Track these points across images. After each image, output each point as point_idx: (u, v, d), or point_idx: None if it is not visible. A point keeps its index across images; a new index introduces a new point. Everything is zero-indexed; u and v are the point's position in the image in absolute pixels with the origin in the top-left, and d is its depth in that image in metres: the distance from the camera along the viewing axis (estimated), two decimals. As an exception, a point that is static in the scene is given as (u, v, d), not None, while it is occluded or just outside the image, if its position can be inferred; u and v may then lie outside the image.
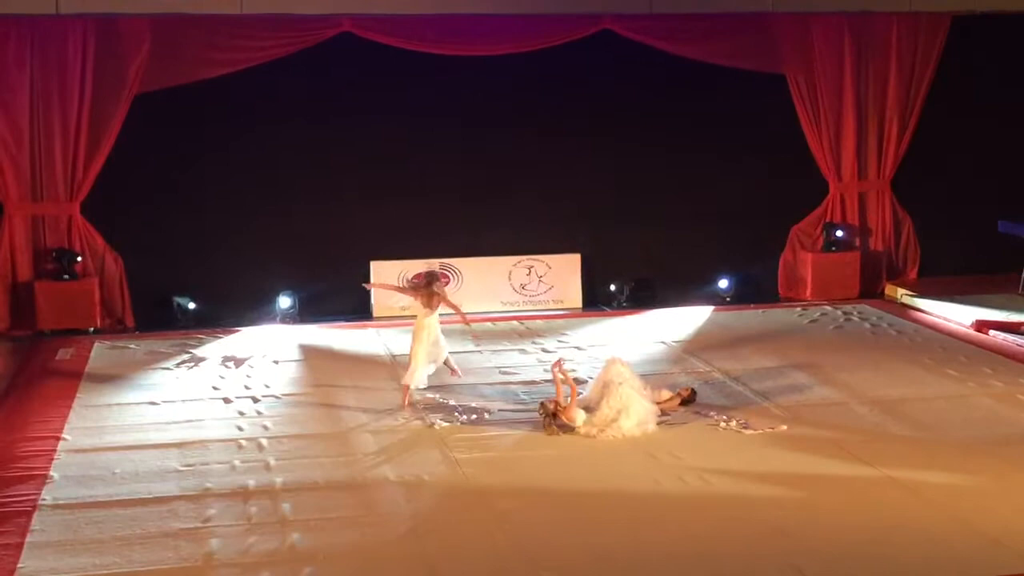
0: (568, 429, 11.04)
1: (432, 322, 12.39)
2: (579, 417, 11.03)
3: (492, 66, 16.05)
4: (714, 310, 16.40)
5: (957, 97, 17.18)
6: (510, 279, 16.53)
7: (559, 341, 14.61)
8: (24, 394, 12.60)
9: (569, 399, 11.08)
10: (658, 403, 11.50)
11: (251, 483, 9.86)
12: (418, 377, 12.21)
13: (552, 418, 11.03)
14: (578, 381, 12.60)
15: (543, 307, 16.47)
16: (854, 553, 8.46)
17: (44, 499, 9.56)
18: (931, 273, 17.53)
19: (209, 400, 12.30)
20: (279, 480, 9.92)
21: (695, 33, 16.40)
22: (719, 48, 16.49)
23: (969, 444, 10.64)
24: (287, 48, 15.43)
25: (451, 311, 12.60)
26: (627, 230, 16.79)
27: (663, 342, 14.63)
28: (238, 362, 13.79)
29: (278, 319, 15.83)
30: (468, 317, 12.96)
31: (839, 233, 17.21)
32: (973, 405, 11.87)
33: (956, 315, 15.49)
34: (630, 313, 16.26)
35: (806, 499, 9.43)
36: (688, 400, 11.82)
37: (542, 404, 11.20)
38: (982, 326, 14.94)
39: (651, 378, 12.12)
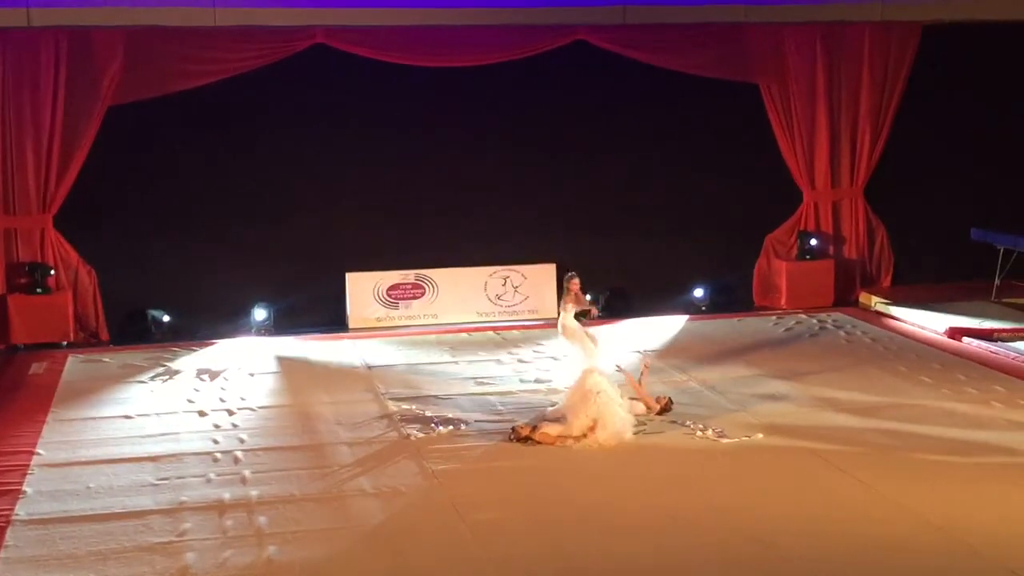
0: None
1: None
2: (552, 431, 11.04)
3: (466, 77, 16.06)
4: (689, 319, 16.45)
5: (929, 106, 17.28)
6: (486, 289, 16.52)
7: (535, 351, 14.61)
8: (-3, 408, 12.54)
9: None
10: (636, 414, 11.53)
11: (227, 496, 9.82)
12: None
13: (524, 442, 11.02)
14: (554, 391, 12.67)
15: (519, 317, 16.48)
16: (830, 561, 8.48)
17: (18, 514, 9.50)
18: (905, 281, 17.62)
19: (184, 413, 12.25)
20: (255, 493, 9.88)
21: (669, 44, 16.45)
22: (692, 58, 16.55)
23: (944, 451, 10.68)
24: (261, 60, 15.40)
25: None
26: (602, 240, 16.81)
27: (639, 351, 14.65)
28: (213, 375, 13.74)
29: (253, 331, 15.78)
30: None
31: (813, 242, 17.28)
32: (948, 412, 11.92)
33: (930, 322, 15.57)
34: (606, 323, 16.27)
35: (782, 508, 9.45)
36: (665, 409, 11.85)
37: (513, 429, 11.18)
38: (956, 333, 15.02)
39: (627, 388, 12.11)
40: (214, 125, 15.72)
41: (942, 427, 11.40)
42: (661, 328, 15.87)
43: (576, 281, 12.40)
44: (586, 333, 11.86)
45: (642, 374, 12.10)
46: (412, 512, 9.48)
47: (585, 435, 10.95)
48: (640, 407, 11.70)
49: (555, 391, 12.65)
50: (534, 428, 11.10)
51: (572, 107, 16.73)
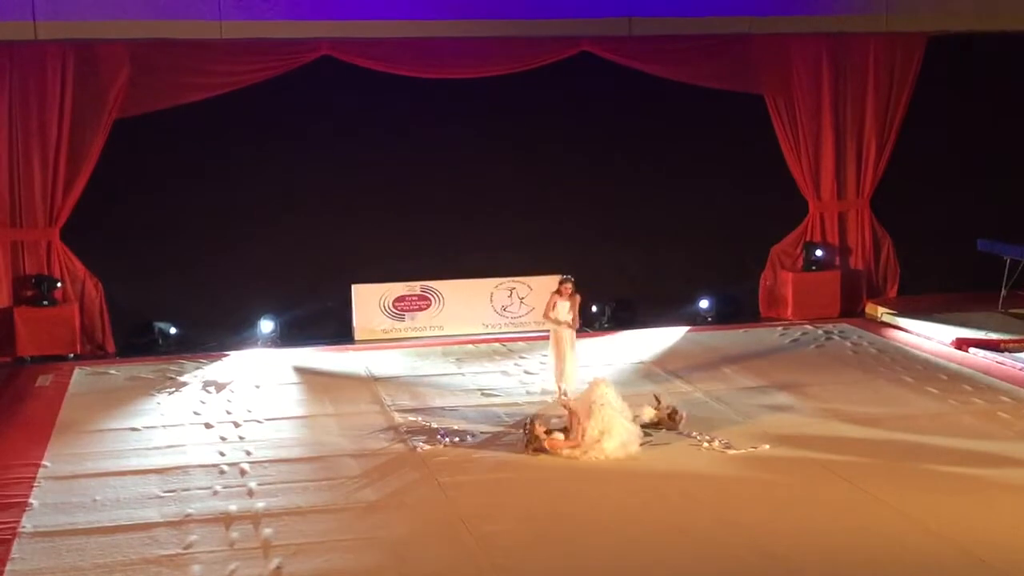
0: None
1: None
2: (561, 441, 11.04)
3: (472, 89, 16.09)
4: (695, 330, 16.44)
5: (934, 116, 17.27)
6: (492, 301, 16.52)
7: (541, 363, 14.58)
8: (4, 421, 12.54)
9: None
10: (651, 420, 11.58)
11: (233, 508, 9.82)
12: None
13: (533, 442, 11.04)
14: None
15: (524, 329, 16.46)
16: (840, 574, 8.46)
17: (24, 527, 9.50)
18: (911, 292, 17.60)
19: (191, 425, 12.25)
20: (261, 505, 9.88)
21: (674, 55, 16.47)
22: (698, 69, 16.56)
23: (951, 462, 10.66)
24: (267, 72, 15.44)
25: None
26: (608, 251, 16.82)
27: (644, 362, 14.64)
28: (219, 387, 13.75)
29: (260, 343, 15.79)
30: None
31: (819, 252, 17.27)
32: (954, 423, 11.90)
33: (936, 333, 15.54)
34: (612, 333, 16.28)
35: (790, 520, 9.42)
36: (673, 417, 11.82)
37: (532, 422, 11.21)
38: (962, 344, 15.00)
39: (633, 398, 12.09)
40: (220, 138, 15.74)
41: (948, 438, 11.37)
42: (667, 339, 15.85)
43: (568, 286, 12.98)
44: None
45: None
46: (418, 524, 9.47)
47: (592, 447, 10.92)
48: (648, 414, 11.74)
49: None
50: (548, 431, 11.09)
51: (578, 119, 16.74)
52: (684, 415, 11.88)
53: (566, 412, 11.69)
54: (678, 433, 11.61)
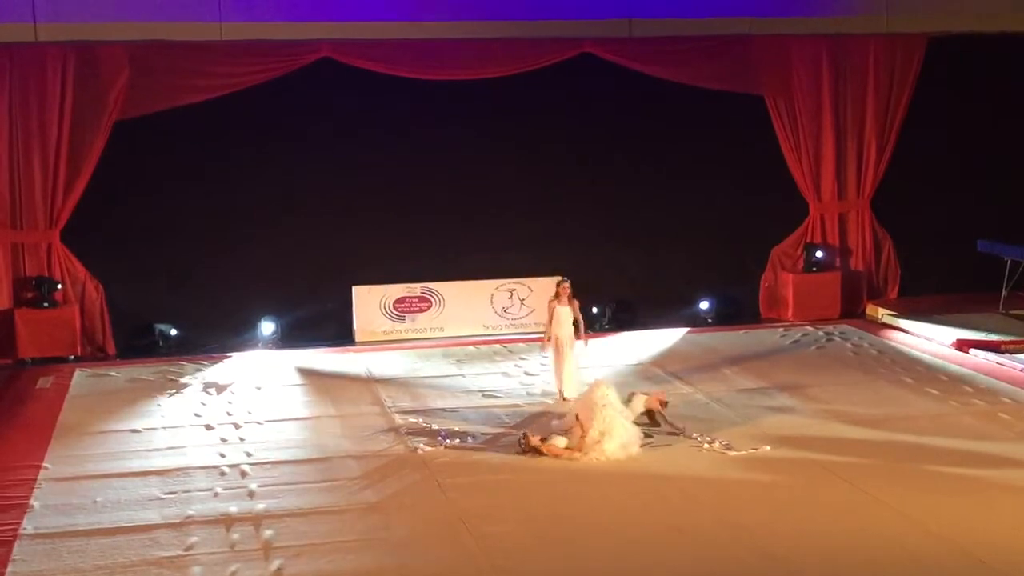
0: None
1: None
2: (560, 443, 11.05)
3: (473, 90, 16.09)
4: (696, 331, 16.44)
5: (934, 117, 17.27)
6: (492, 303, 16.52)
7: (541, 364, 14.58)
8: (4, 423, 12.54)
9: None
10: (646, 409, 11.63)
11: (234, 510, 9.83)
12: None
13: (533, 452, 11.03)
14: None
15: (525, 330, 16.45)
16: (840, 575, 8.46)
17: (25, 528, 9.51)
18: (911, 293, 17.60)
19: (191, 427, 12.25)
20: (262, 506, 9.88)
21: (674, 56, 16.47)
22: (698, 71, 16.57)
23: (952, 463, 10.66)
24: (267, 74, 15.44)
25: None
26: (609, 253, 16.83)
27: (645, 363, 14.64)
28: (220, 388, 13.75)
29: (260, 345, 15.79)
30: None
31: (819, 254, 17.27)
32: (955, 424, 11.90)
33: (937, 335, 15.54)
34: (612, 334, 16.27)
35: (791, 521, 9.42)
36: (664, 405, 11.86)
37: (525, 435, 11.19)
38: (963, 345, 15.00)
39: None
40: (220, 140, 15.75)
41: (949, 439, 11.37)
42: (667, 340, 15.85)
43: (565, 286, 13.01)
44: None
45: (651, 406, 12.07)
46: (419, 525, 9.47)
47: (593, 448, 10.92)
48: (639, 404, 11.76)
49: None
50: (544, 439, 11.10)
51: (578, 120, 16.75)
52: (667, 401, 12.01)
53: (565, 412, 11.71)
54: (677, 433, 11.61)
